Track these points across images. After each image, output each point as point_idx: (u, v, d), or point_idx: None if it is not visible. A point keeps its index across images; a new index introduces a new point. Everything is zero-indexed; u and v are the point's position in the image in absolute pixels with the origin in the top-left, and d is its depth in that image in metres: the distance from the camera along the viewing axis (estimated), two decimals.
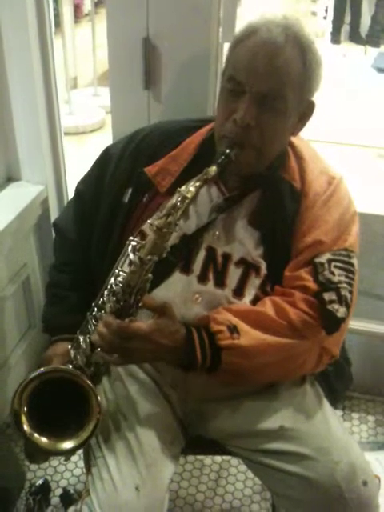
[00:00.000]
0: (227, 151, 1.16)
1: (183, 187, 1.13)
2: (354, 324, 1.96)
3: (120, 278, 1.16)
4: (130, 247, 1.16)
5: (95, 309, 1.23)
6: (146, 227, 1.26)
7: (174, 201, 1.12)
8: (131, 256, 1.15)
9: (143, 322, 1.16)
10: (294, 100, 1.16)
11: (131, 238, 1.18)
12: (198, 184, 1.13)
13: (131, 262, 1.14)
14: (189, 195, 1.11)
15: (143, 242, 1.14)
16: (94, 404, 1.16)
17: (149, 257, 1.12)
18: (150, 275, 1.15)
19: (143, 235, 1.26)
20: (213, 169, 1.14)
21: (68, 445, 1.18)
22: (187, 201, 1.12)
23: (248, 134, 1.16)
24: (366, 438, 2.10)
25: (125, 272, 1.16)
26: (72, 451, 1.20)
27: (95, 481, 1.21)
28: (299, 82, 1.16)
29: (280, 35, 1.13)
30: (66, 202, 1.99)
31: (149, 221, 1.14)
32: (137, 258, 1.13)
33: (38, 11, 1.66)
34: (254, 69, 1.13)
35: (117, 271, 1.18)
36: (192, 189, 1.12)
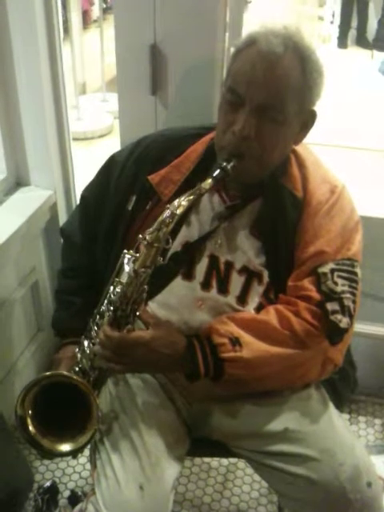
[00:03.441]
0: (223, 164, 1.16)
1: (175, 201, 1.14)
2: (359, 327, 1.96)
3: (117, 289, 1.18)
4: (125, 260, 1.19)
5: (97, 316, 1.25)
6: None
7: (163, 216, 1.13)
8: (126, 268, 1.17)
9: (143, 331, 1.18)
10: (295, 110, 1.16)
11: (125, 251, 1.20)
12: (190, 198, 1.14)
13: (126, 274, 1.16)
14: (178, 211, 1.13)
15: (137, 255, 1.16)
16: (94, 410, 1.18)
17: (142, 269, 1.14)
18: (145, 286, 1.17)
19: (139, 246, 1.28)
20: (208, 182, 1.15)
21: (66, 447, 1.21)
22: (177, 217, 1.13)
23: (247, 145, 1.16)
24: (372, 441, 2.09)
25: (121, 283, 1.18)
26: (69, 454, 1.23)
27: (100, 479, 1.22)
28: (299, 92, 1.16)
29: (279, 45, 1.12)
30: (74, 207, 2.01)
31: (140, 235, 1.15)
32: (131, 271, 1.15)
33: (46, 18, 1.69)
34: (253, 80, 1.13)
35: (114, 281, 1.20)
36: (184, 203, 1.13)
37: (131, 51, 1.62)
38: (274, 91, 1.13)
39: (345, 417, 2.16)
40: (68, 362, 1.31)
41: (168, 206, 1.14)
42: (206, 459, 1.99)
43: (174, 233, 1.23)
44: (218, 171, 1.16)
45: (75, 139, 2.57)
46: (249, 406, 1.31)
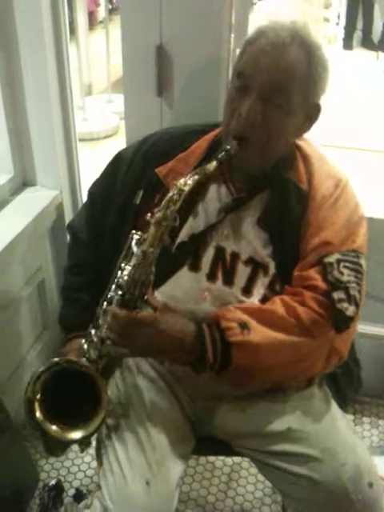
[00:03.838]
0: (228, 147, 1.19)
1: (181, 180, 1.16)
2: (364, 328, 1.97)
3: (125, 272, 1.19)
4: (133, 241, 1.20)
5: (104, 303, 1.25)
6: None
7: (171, 194, 1.15)
8: (134, 249, 1.18)
9: (149, 313, 1.20)
10: (299, 101, 1.19)
11: (133, 231, 1.21)
12: (196, 177, 1.16)
13: (134, 256, 1.18)
14: (185, 188, 1.15)
15: (145, 236, 1.17)
16: (103, 397, 1.19)
17: (151, 249, 1.15)
18: (153, 268, 1.17)
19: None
20: (212, 164, 1.18)
21: (76, 435, 1.19)
22: (184, 193, 1.15)
23: (253, 131, 1.18)
24: (377, 442, 2.09)
25: (129, 265, 1.19)
26: (77, 442, 1.21)
27: (106, 474, 1.23)
28: (304, 84, 1.18)
29: (287, 37, 1.16)
30: (80, 206, 2.02)
31: (148, 214, 1.16)
32: (140, 251, 1.16)
33: (53, 19, 1.70)
34: (260, 67, 1.16)
35: (122, 265, 1.21)
36: (190, 181, 1.16)
37: (137, 52, 1.63)
38: (280, 79, 1.16)
39: (349, 418, 2.16)
40: (74, 354, 1.31)
41: (175, 183, 1.16)
42: (211, 458, 2.00)
43: (180, 223, 1.24)
44: (222, 153, 1.19)
45: (81, 140, 2.58)
46: (252, 404, 1.32)
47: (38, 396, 1.17)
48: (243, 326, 1.18)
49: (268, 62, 1.16)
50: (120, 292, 1.19)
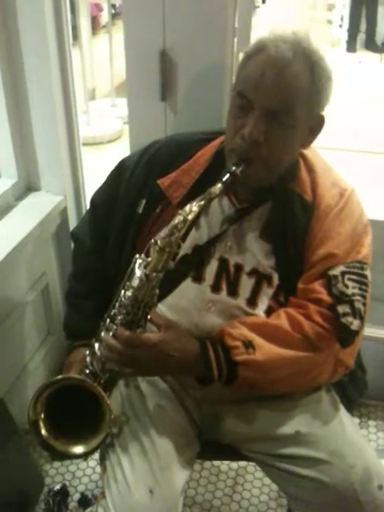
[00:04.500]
0: (233, 169, 1.17)
1: (187, 207, 1.15)
2: (369, 331, 1.95)
3: (129, 292, 1.19)
4: (136, 264, 1.19)
5: (107, 319, 1.25)
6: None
7: (175, 221, 1.15)
8: (137, 272, 1.18)
9: (152, 333, 1.19)
10: (303, 114, 1.17)
11: (137, 255, 1.20)
12: (201, 203, 1.15)
13: (137, 278, 1.17)
14: (190, 217, 1.14)
15: (148, 260, 1.17)
16: (107, 414, 1.19)
17: (154, 274, 1.15)
18: (156, 290, 1.18)
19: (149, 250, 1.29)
20: (217, 187, 1.16)
21: (79, 450, 1.22)
22: (188, 222, 1.15)
23: (256, 149, 1.17)
24: (383, 445, 2.09)
25: (132, 287, 1.18)
26: (82, 456, 1.24)
27: (110, 482, 1.23)
28: (308, 97, 1.16)
29: (288, 51, 1.13)
30: (84, 212, 2.02)
31: (152, 240, 1.16)
32: (143, 275, 1.16)
33: (56, 24, 1.71)
34: (262, 85, 1.14)
35: (126, 285, 1.21)
36: (195, 208, 1.15)
37: (141, 57, 1.63)
38: (283, 96, 1.14)
39: (355, 421, 2.15)
40: (78, 366, 1.31)
41: (180, 211, 1.15)
42: (216, 463, 1.99)
43: (183, 236, 1.24)
44: (227, 176, 1.17)
45: (85, 144, 2.59)
46: (260, 409, 1.32)
47: (42, 415, 1.20)
48: (248, 344, 1.18)
49: (270, 81, 1.13)
50: (124, 311, 1.20)
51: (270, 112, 1.15)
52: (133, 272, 1.19)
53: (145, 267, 1.17)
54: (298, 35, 1.17)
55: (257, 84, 1.15)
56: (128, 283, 1.20)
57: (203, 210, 1.28)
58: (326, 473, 1.19)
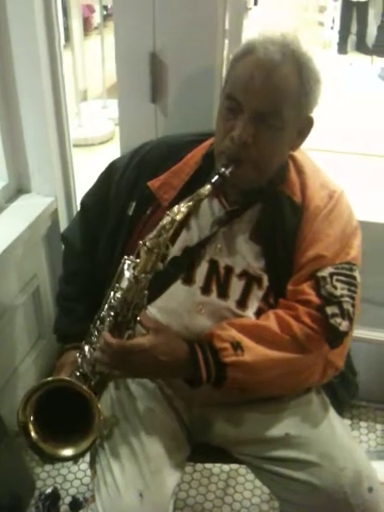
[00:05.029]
0: (222, 170, 1.17)
1: (175, 208, 1.15)
2: (360, 332, 1.97)
3: (118, 294, 1.19)
4: (125, 265, 1.19)
5: (98, 321, 1.25)
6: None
7: (163, 222, 1.15)
8: (126, 274, 1.18)
9: (143, 338, 1.18)
10: (292, 116, 1.18)
11: (125, 256, 1.20)
12: (189, 204, 1.15)
13: (126, 279, 1.17)
14: (178, 217, 1.14)
15: (137, 261, 1.17)
16: (96, 417, 1.19)
17: (143, 275, 1.15)
18: (145, 292, 1.17)
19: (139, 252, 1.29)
20: (206, 188, 1.16)
21: (68, 452, 1.21)
22: (176, 223, 1.14)
23: (246, 151, 1.17)
24: (374, 446, 2.09)
25: (121, 288, 1.18)
26: (71, 459, 1.24)
27: (100, 485, 1.22)
28: (296, 99, 1.17)
29: (277, 53, 1.14)
30: (75, 214, 2.01)
31: (140, 241, 1.16)
32: (131, 276, 1.16)
33: (47, 25, 1.70)
34: (251, 88, 1.14)
35: (115, 286, 1.21)
36: (183, 209, 1.15)
37: (131, 59, 1.63)
38: (271, 98, 1.15)
39: (346, 422, 2.15)
40: (69, 368, 1.31)
41: (168, 212, 1.15)
42: (207, 465, 1.99)
43: (173, 238, 1.24)
44: (216, 177, 1.17)
45: (76, 146, 2.58)
46: (249, 411, 1.32)
47: (31, 418, 1.19)
48: (236, 346, 1.18)
49: (258, 83, 1.14)
50: (112, 313, 1.19)
51: (259, 114, 1.15)
52: (122, 273, 1.19)
53: (133, 268, 1.17)
54: (286, 37, 1.17)
55: (246, 86, 1.15)
56: (117, 285, 1.20)
57: (193, 212, 1.28)
58: (316, 475, 1.19)
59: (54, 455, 1.22)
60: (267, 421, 1.29)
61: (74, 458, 1.24)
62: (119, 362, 1.17)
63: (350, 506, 1.17)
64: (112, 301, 1.20)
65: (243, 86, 1.16)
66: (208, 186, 1.17)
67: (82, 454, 1.23)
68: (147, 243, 1.14)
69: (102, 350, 1.17)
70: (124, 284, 1.18)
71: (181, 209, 1.15)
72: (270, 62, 1.14)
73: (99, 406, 1.20)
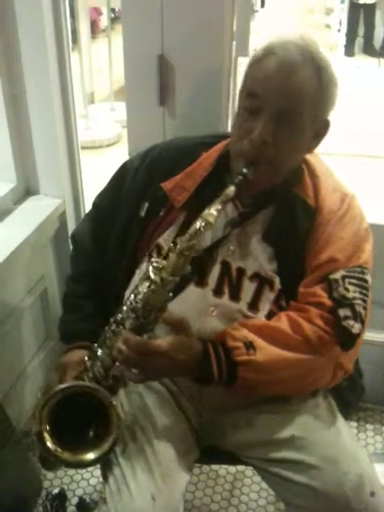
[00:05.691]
0: (244, 171, 1.18)
1: (206, 211, 1.14)
2: (367, 335, 1.94)
3: (140, 296, 1.17)
4: (150, 267, 1.17)
5: (114, 324, 1.23)
6: (162, 242, 1.29)
7: (197, 225, 1.13)
8: (152, 276, 1.16)
9: (162, 340, 1.17)
10: (310, 118, 1.18)
11: (153, 259, 1.19)
12: (219, 207, 1.15)
13: (152, 282, 1.15)
14: (211, 219, 1.13)
15: (164, 263, 1.15)
16: (114, 417, 1.18)
17: (170, 278, 1.14)
18: (170, 294, 1.17)
19: (159, 249, 1.29)
20: (231, 189, 1.16)
21: (90, 456, 1.18)
22: (210, 225, 1.13)
23: (264, 151, 1.18)
24: (380, 449, 2.09)
25: (144, 290, 1.17)
26: (94, 463, 1.21)
27: (112, 490, 1.22)
28: (315, 101, 1.18)
29: (297, 55, 1.15)
30: (82, 215, 2.02)
31: (171, 243, 1.15)
32: (158, 278, 1.14)
33: (55, 28, 1.72)
34: (272, 87, 1.15)
35: (136, 289, 1.19)
36: (214, 212, 1.14)
37: (139, 62, 1.63)
38: (291, 98, 1.16)
39: (352, 425, 2.15)
40: (74, 368, 1.29)
41: (201, 215, 1.14)
42: (215, 467, 1.99)
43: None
44: (239, 178, 1.18)
45: (84, 148, 2.59)
46: (258, 415, 1.32)
47: (47, 427, 1.16)
48: (249, 345, 1.18)
49: (280, 82, 1.15)
50: (134, 315, 1.18)
51: (279, 114, 1.16)
52: (146, 275, 1.18)
53: (159, 271, 1.15)
54: (305, 40, 1.19)
55: (266, 86, 1.16)
56: (139, 287, 1.18)
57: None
58: (318, 479, 1.19)
59: (78, 462, 1.18)
60: (274, 423, 1.29)
61: (98, 461, 1.21)
62: (136, 360, 1.15)
63: (352, 510, 1.17)
64: (133, 303, 1.19)
65: (264, 84, 1.17)
66: (232, 187, 1.17)
67: (106, 455, 1.19)
68: (178, 246, 1.13)
69: (119, 348, 1.16)
70: (147, 286, 1.16)
71: (212, 211, 1.14)
72: (291, 62, 1.15)
73: (114, 402, 1.18)
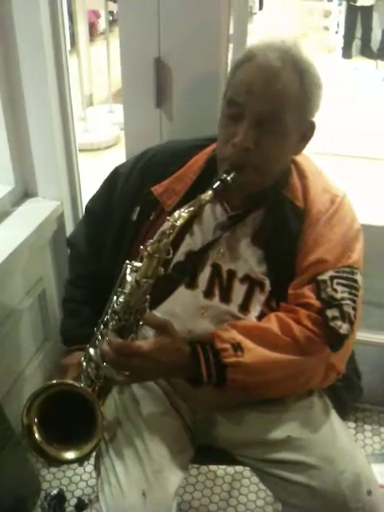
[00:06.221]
0: (223, 176, 1.18)
1: (176, 213, 1.15)
2: (365, 335, 1.97)
3: (121, 298, 1.19)
4: (127, 270, 1.19)
5: (101, 325, 1.26)
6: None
7: (164, 228, 1.14)
8: (128, 278, 1.18)
9: (144, 341, 1.18)
10: (294, 121, 1.19)
11: (127, 261, 1.21)
12: (191, 209, 1.15)
13: (128, 284, 1.17)
14: (178, 222, 1.14)
15: (138, 265, 1.17)
16: (100, 421, 1.19)
17: (144, 280, 1.15)
18: (147, 296, 1.17)
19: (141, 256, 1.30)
20: (208, 194, 1.16)
21: (71, 455, 1.21)
22: (177, 228, 1.14)
23: (247, 157, 1.18)
24: (378, 449, 2.09)
25: (124, 293, 1.18)
26: (74, 462, 1.24)
27: (104, 485, 1.23)
28: (298, 104, 1.18)
29: (277, 60, 1.15)
30: (80, 217, 2.02)
31: (141, 246, 1.16)
32: (133, 281, 1.16)
33: (53, 31, 1.72)
34: (252, 94, 1.15)
35: (118, 291, 1.21)
36: (184, 214, 1.14)
37: (136, 64, 1.64)
38: (272, 104, 1.16)
39: (350, 425, 2.16)
40: (75, 369, 1.32)
41: (168, 217, 1.15)
42: (212, 468, 2.00)
43: (177, 243, 1.26)
44: (218, 183, 1.18)
45: (82, 150, 2.60)
46: (252, 413, 1.32)
47: (36, 420, 1.20)
48: (236, 347, 1.19)
49: (259, 89, 1.15)
50: (116, 317, 1.20)
51: (260, 120, 1.16)
52: (124, 278, 1.20)
53: (135, 273, 1.17)
54: (286, 43, 1.19)
55: (247, 93, 1.16)
56: (120, 289, 1.20)
57: (196, 217, 1.29)
58: (316, 478, 1.19)
59: (58, 458, 1.22)
60: (269, 423, 1.29)
61: (77, 461, 1.24)
62: (119, 362, 1.17)
63: (350, 509, 1.17)
64: (115, 305, 1.21)
65: (244, 91, 1.17)
66: (209, 192, 1.17)
67: (85, 457, 1.23)
68: (148, 248, 1.14)
69: (103, 350, 1.18)
70: (126, 288, 1.18)
71: (182, 214, 1.14)
72: (270, 68, 1.15)
73: (102, 409, 1.21)
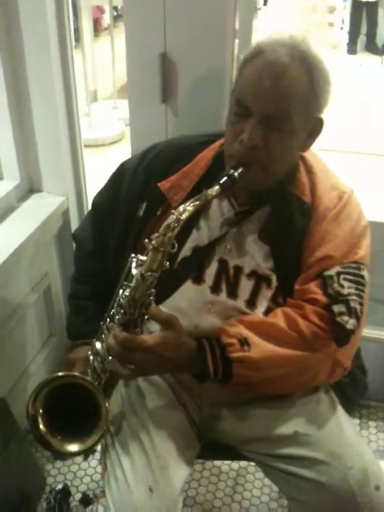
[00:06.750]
0: (231, 172, 1.17)
1: (181, 206, 1.15)
2: (370, 332, 1.97)
3: (126, 292, 1.19)
4: (133, 264, 1.19)
5: (107, 319, 1.26)
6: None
7: (169, 221, 1.14)
8: (134, 272, 1.18)
9: (149, 336, 1.19)
10: (302, 118, 1.18)
11: (133, 255, 1.21)
12: (196, 203, 1.15)
13: (134, 277, 1.17)
14: (183, 216, 1.13)
15: (143, 259, 1.17)
16: (103, 413, 1.20)
17: (149, 273, 1.15)
18: (152, 290, 1.17)
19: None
20: (214, 189, 1.16)
21: (74, 448, 1.21)
22: (182, 221, 1.13)
23: (255, 154, 1.17)
24: (383, 446, 2.09)
25: (130, 286, 1.18)
26: (78, 454, 1.24)
27: (110, 480, 1.24)
28: (306, 101, 1.17)
29: (285, 55, 1.14)
30: (86, 213, 2.03)
31: (146, 240, 1.16)
32: (138, 274, 1.16)
33: (58, 27, 1.72)
34: (259, 91, 1.15)
35: (123, 285, 1.21)
36: (189, 208, 1.14)
37: (141, 60, 1.64)
38: (280, 101, 1.15)
39: (355, 422, 2.16)
40: (82, 363, 1.32)
41: (173, 211, 1.15)
42: (217, 463, 2.00)
43: (183, 238, 1.25)
44: (224, 178, 1.17)
45: (87, 146, 2.60)
46: (259, 409, 1.32)
47: (41, 411, 1.20)
48: (243, 342, 1.19)
49: (266, 86, 1.14)
50: (122, 311, 1.20)
51: (268, 117, 1.16)
52: (129, 272, 1.20)
53: (140, 266, 1.17)
54: (295, 39, 1.18)
55: (254, 90, 1.16)
56: (125, 283, 1.20)
57: (203, 213, 1.30)
58: (324, 473, 1.20)
59: (61, 450, 1.22)
60: (276, 419, 1.30)
61: (81, 454, 1.24)
62: (123, 356, 1.17)
63: (358, 504, 1.17)
64: (120, 299, 1.21)
65: (251, 89, 1.16)
66: (216, 187, 1.17)
67: (88, 450, 1.23)
68: (153, 242, 1.14)
69: (108, 343, 1.18)
70: (132, 282, 1.18)
71: (187, 208, 1.14)
72: (279, 64, 1.14)
73: (107, 403, 1.21)
